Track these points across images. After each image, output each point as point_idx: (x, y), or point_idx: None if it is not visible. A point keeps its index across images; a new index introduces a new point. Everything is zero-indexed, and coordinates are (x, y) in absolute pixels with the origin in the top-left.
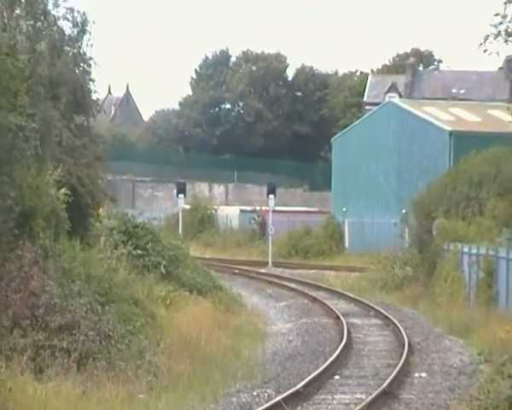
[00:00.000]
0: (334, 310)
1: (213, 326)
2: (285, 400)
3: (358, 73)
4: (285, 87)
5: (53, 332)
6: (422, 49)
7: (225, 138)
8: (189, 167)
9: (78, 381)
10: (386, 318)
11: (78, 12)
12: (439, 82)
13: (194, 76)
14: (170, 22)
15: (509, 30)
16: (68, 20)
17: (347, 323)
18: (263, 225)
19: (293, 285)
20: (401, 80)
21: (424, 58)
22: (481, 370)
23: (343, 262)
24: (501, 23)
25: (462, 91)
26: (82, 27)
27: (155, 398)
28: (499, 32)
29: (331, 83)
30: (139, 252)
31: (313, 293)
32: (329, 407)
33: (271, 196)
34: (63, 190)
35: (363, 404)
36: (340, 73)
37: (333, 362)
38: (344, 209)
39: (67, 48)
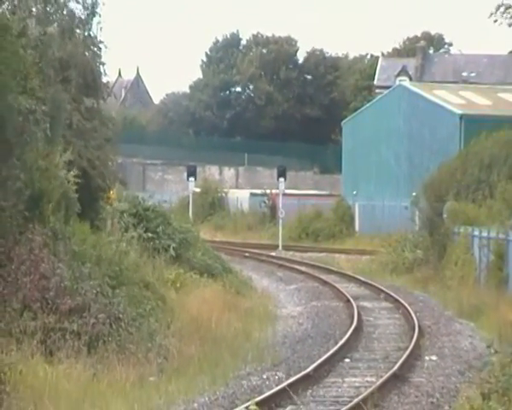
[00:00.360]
0: (345, 293)
1: (224, 309)
2: (295, 383)
3: (369, 57)
4: (295, 70)
5: (63, 315)
6: (433, 32)
7: (236, 121)
8: (200, 150)
9: (88, 364)
10: (397, 301)
11: None
12: (450, 65)
13: (205, 59)
14: (180, 5)
15: None
16: (78, 2)
17: (358, 306)
18: (273, 209)
19: (303, 268)
20: (411, 63)
21: (435, 41)
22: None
23: (353, 245)
24: None
25: (472, 75)
26: (92, 9)
27: (166, 381)
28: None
29: (341, 66)
30: (149, 235)
31: (323, 276)
32: (340, 390)
33: (282, 179)
34: (73, 172)
35: (373, 387)
36: (351, 57)
37: (343, 345)
38: (354, 192)
39: (78, 30)
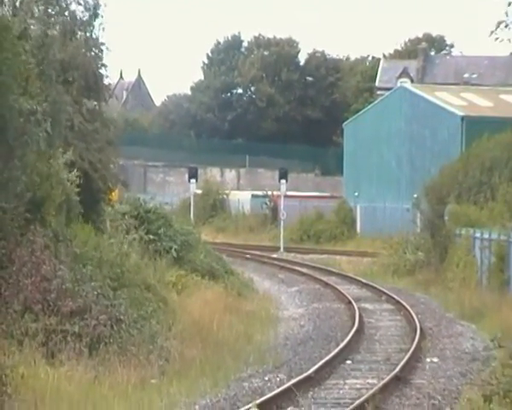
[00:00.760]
0: (346, 295)
1: (225, 311)
2: (297, 385)
3: (370, 58)
4: (297, 72)
5: (64, 317)
6: (434, 33)
7: (237, 123)
8: (201, 152)
9: (89, 366)
10: (398, 303)
11: None
12: (451, 67)
13: (206, 61)
14: (182, 7)
15: None
16: (80, 3)
17: (359, 308)
18: (275, 210)
19: (304, 270)
20: (413, 65)
21: (436, 43)
22: (494, 355)
23: (355, 247)
24: None
25: (474, 76)
26: (94, 11)
27: (167, 383)
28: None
29: (343, 68)
30: (151, 237)
31: (325, 278)
32: (341, 391)
33: (283, 180)
34: (74, 174)
35: (374, 389)
36: (352, 58)
37: (344, 347)
38: (356, 194)
39: (79, 32)
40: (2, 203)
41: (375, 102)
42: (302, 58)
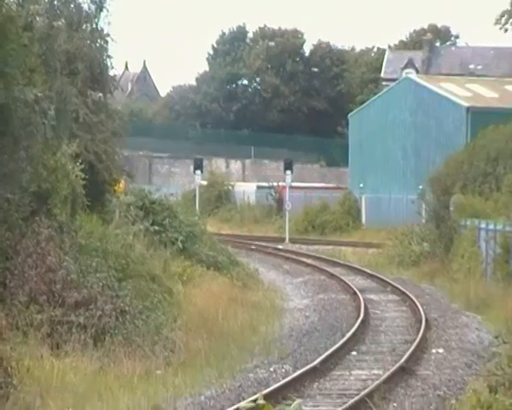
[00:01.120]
0: (351, 286)
1: (230, 302)
2: (302, 376)
3: (375, 49)
4: (302, 63)
5: (69, 308)
6: (439, 24)
7: (242, 114)
8: (206, 143)
9: (94, 357)
10: (404, 294)
11: None
12: (457, 58)
13: (211, 52)
14: None
15: None
16: None
17: (364, 299)
18: (280, 201)
19: (310, 261)
20: (418, 56)
21: (441, 34)
22: (499, 351)
23: (360, 238)
24: None
25: (479, 67)
26: (100, 4)
27: (172, 374)
28: None
29: (348, 59)
30: (156, 228)
31: (330, 269)
32: (346, 382)
33: (288, 171)
34: (80, 165)
35: (380, 380)
36: (357, 49)
37: (350, 338)
38: (361, 185)
39: (85, 24)
40: (8, 194)
41: (381, 93)
42: (307, 49)
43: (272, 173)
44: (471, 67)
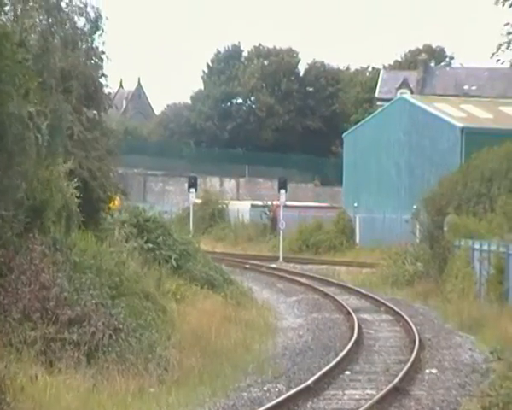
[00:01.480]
0: (345, 305)
1: (224, 320)
2: (296, 395)
3: (370, 69)
4: (297, 82)
5: (63, 325)
6: (434, 45)
7: (237, 133)
8: (201, 162)
9: (88, 374)
10: (397, 313)
11: (92, 7)
12: (451, 78)
13: (206, 70)
14: (182, 16)
15: None
16: (82, 14)
17: (358, 318)
18: (274, 220)
19: (303, 280)
20: (413, 76)
21: (436, 54)
22: (493, 368)
23: (354, 258)
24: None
25: (473, 88)
26: (95, 23)
27: (166, 392)
28: (510, 40)
29: (343, 78)
30: (150, 245)
31: (324, 288)
32: (340, 402)
33: (282, 190)
34: (74, 182)
35: (373, 400)
36: (352, 69)
37: (343, 358)
38: (355, 204)
39: (80, 42)
40: (1, 211)
41: (375, 112)
42: (302, 68)
43: (266, 192)
44: (465, 87)
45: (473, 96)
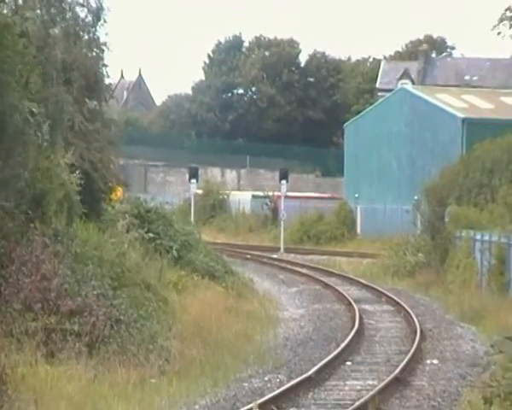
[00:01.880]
0: (346, 296)
1: (225, 311)
2: (297, 386)
3: (371, 60)
4: (298, 73)
5: (64, 316)
6: (435, 35)
7: (238, 123)
8: (202, 152)
9: (89, 365)
10: (398, 304)
11: None
12: (452, 69)
13: (207, 61)
14: (183, 6)
15: None
16: (83, 6)
17: (359, 309)
18: (275, 211)
19: (304, 271)
20: (414, 67)
21: (437, 45)
22: (494, 360)
23: (355, 248)
24: None
25: (474, 78)
26: (97, 13)
27: (167, 383)
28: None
29: (344, 69)
30: (151, 236)
31: (325, 279)
32: (341, 393)
33: (283, 181)
34: (76, 174)
35: (374, 390)
36: (353, 59)
37: (345, 348)
38: (356, 195)
39: (81, 33)
40: (3, 202)
41: (376, 103)
42: (303, 59)
43: (267, 183)
44: (467, 78)
45: (474, 87)
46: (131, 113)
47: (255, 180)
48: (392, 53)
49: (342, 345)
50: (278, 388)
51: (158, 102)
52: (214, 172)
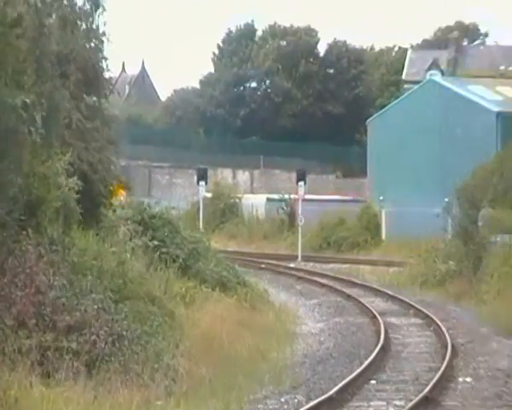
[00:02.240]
0: (370, 308)
1: (238, 326)
2: (316, 407)
3: (396, 49)
4: (316, 64)
5: (61, 333)
6: (467, 21)
7: (251, 120)
8: (211, 152)
9: (88, 386)
10: (427, 317)
11: None
12: (486, 58)
13: (217, 52)
14: None
15: None
16: None
17: (384, 322)
18: (292, 215)
19: (324, 281)
20: (443, 56)
21: (469, 32)
22: None
23: (380, 256)
24: None
25: (510, 68)
26: (95, 1)
27: (174, 405)
28: None
29: (367, 59)
30: (156, 243)
31: (347, 290)
32: None
33: (301, 182)
34: (74, 179)
35: None
36: (377, 49)
37: (369, 366)
38: (381, 197)
39: (79, 22)
40: None
41: (402, 96)
42: (322, 49)
43: (283, 185)
44: (502, 68)
45: (510, 78)
46: (134, 109)
47: (270, 182)
48: (420, 41)
49: (366, 362)
50: (296, 409)
51: (163, 98)
52: (225, 174)
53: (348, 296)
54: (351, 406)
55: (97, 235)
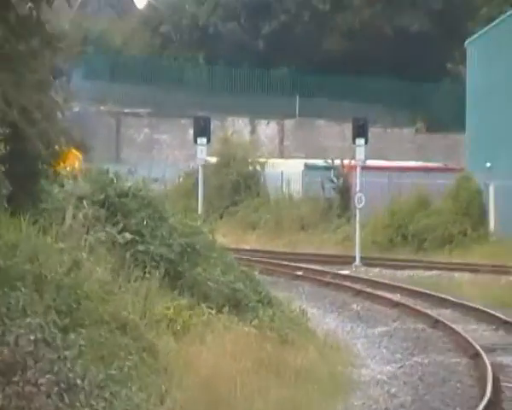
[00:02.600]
0: (471, 341)
1: (258, 369)
2: None
3: None
4: None
5: None
6: None
7: (279, 41)
8: (216, 91)
9: None
10: None
11: None
12: None
13: None
14: None
15: None
16: None
17: (493, 364)
18: (345, 193)
19: (397, 298)
20: None
21: None
22: None
23: (486, 257)
24: None
25: None
26: None
27: None
28: None
29: None
30: (127, 237)
31: (434, 311)
32: None
33: (360, 140)
34: None
35: None
36: None
37: None
38: (488, 165)
39: None
40: None
41: None
42: None
43: (331, 143)
44: None
45: None
46: (93, 22)
47: (310, 139)
48: None
49: None
50: None
51: (139, 4)
52: (239, 126)
53: (436, 322)
54: None
55: (35, 223)
